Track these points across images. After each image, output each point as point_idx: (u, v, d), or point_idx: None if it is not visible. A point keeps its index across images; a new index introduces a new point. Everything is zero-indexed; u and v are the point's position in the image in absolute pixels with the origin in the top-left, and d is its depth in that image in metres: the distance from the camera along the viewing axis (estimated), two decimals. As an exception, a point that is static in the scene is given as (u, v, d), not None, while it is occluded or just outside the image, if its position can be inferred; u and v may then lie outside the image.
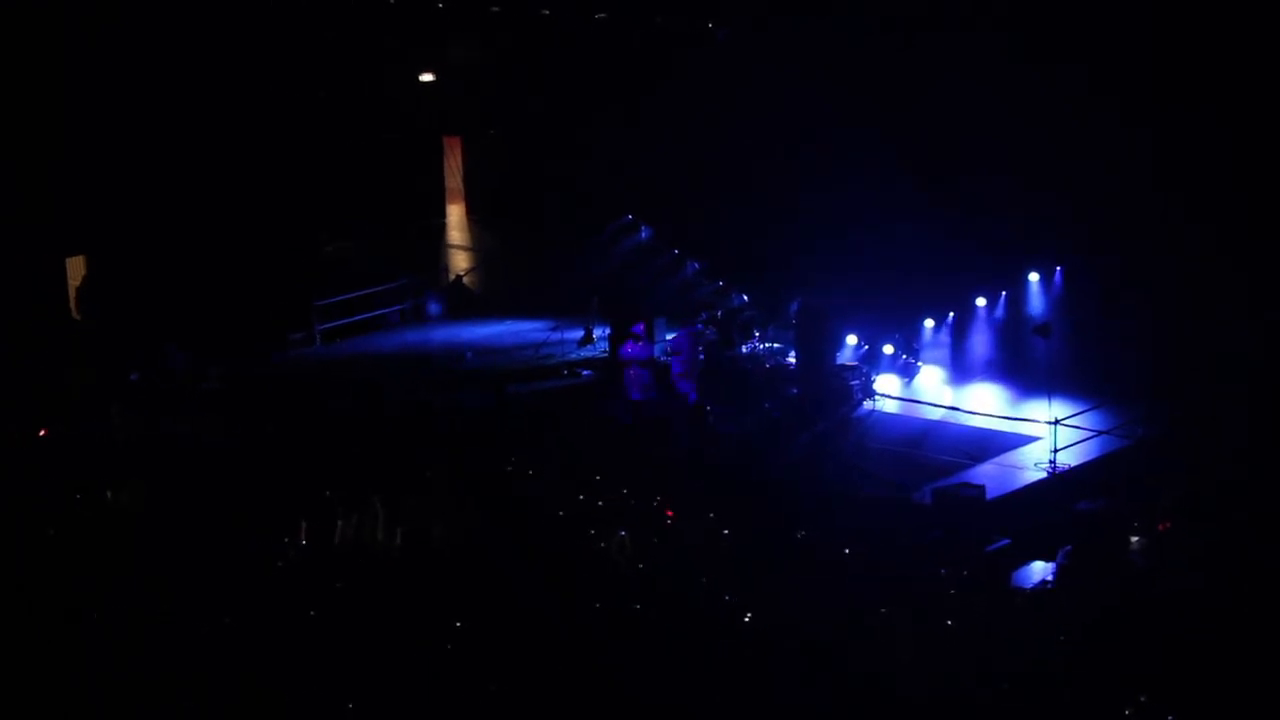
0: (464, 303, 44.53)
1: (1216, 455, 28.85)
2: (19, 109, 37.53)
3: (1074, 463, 29.98)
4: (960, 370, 35.66)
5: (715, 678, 20.83)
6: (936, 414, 33.51)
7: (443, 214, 52.66)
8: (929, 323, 36.00)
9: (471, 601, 22.80)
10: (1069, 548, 25.29)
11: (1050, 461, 29.88)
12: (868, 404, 34.20)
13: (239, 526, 25.93)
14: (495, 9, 43.45)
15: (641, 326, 33.38)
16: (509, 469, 28.83)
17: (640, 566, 23.84)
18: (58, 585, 23.62)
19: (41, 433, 31.17)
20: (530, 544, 24.95)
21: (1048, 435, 30.37)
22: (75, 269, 40.96)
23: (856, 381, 34.39)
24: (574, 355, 37.41)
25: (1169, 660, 20.66)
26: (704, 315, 38.15)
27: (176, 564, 24.28)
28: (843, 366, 34.81)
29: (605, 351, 37.37)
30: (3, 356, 34.91)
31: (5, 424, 31.30)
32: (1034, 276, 35.32)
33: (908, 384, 35.26)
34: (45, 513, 26.61)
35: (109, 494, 27.64)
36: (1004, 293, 35.72)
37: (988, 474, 29.58)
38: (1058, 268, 35.22)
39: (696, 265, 41.66)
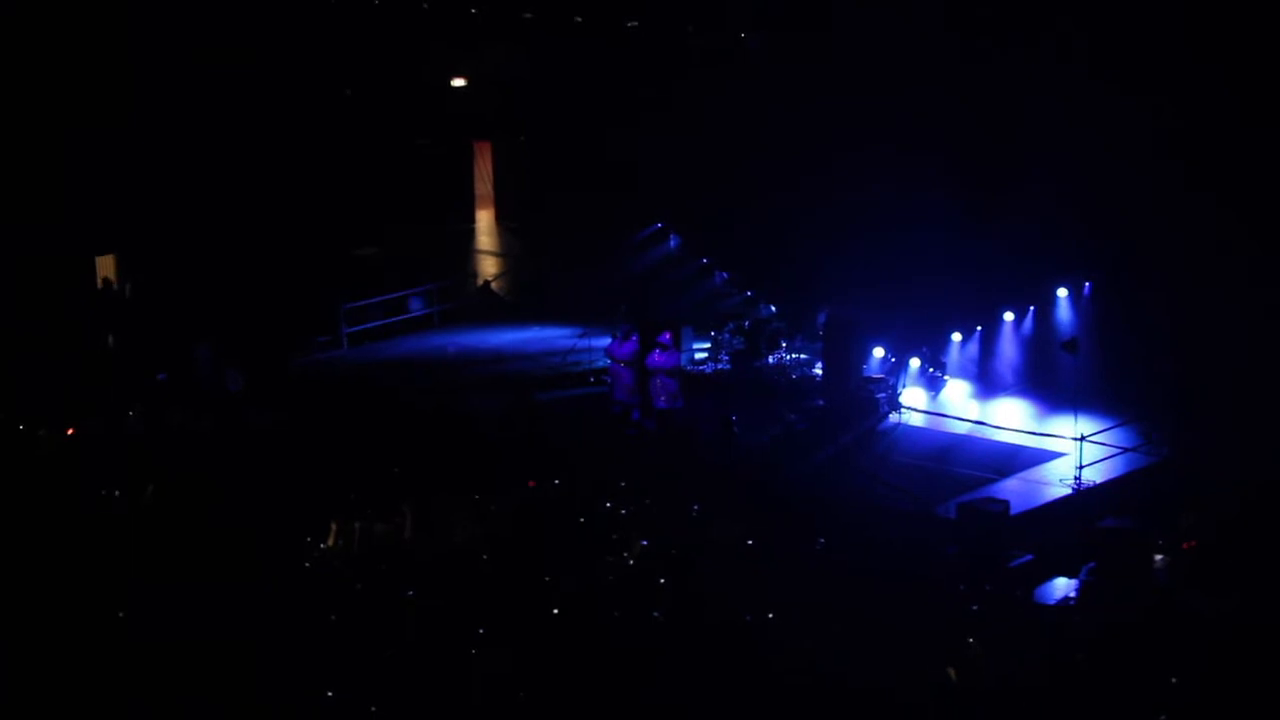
0: (492, 308, 44.60)
1: (1240, 474, 28.81)
2: (52, 108, 37.69)
3: (1099, 479, 29.94)
4: (987, 384, 35.62)
5: (729, 687, 20.84)
6: (962, 428, 33.46)
7: (472, 219, 52.80)
8: (956, 336, 35.98)
9: (494, 607, 22.83)
10: (1092, 564, 25.24)
11: (1075, 478, 29.83)
12: (893, 416, 34.16)
13: (264, 527, 25.99)
14: (527, 15, 43.54)
15: (668, 335, 33.34)
16: (533, 475, 28.85)
17: (662, 581, 23.82)
18: (79, 584, 23.68)
19: (69, 431, 31.24)
20: (552, 550, 24.97)
21: (1073, 451, 30.32)
22: (104, 267, 41.12)
23: (883, 394, 34.35)
24: (600, 363, 37.39)
25: (1190, 679, 20.63)
26: (731, 325, 38.19)
27: (200, 564, 24.33)
28: (869, 379, 34.79)
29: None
30: (31, 354, 34.98)
31: (33, 422, 31.38)
32: (1062, 292, 35.26)
33: (934, 397, 35.22)
34: (69, 511, 26.68)
35: (134, 493, 27.71)
36: (1032, 307, 35.69)
37: (1012, 489, 29.54)
38: (1086, 283, 35.16)
39: (725, 275, 41.68)
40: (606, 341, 34.72)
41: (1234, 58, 32.34)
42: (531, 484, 27.81)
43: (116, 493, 27.55)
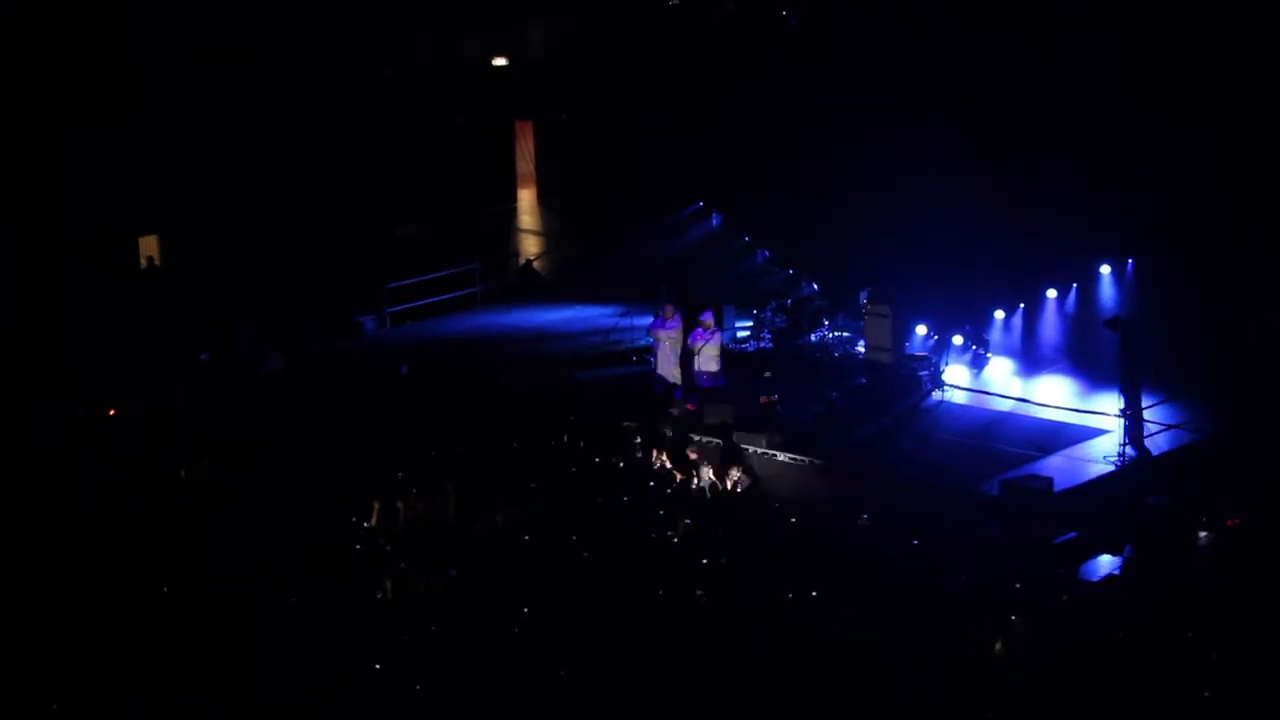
0: (534, 287, 44.58)
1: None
2: (96, 87, 37.83)
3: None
4: (1030, 361, 35.52)
5: (768, 666, 20.89)
6: (1005, 405, 33.38)
7: (514, 198, 52.83)
8: (999, 314, 35.87)
9: (536, 587, 22.90)
10: (1137, 541, 25.18)
11: (1119, 454, 29.75)
12: (936, 394, 34.07)
13: (310, 508, 26.12)
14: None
15: (710, 314, 33.31)
16: (574, 454, 28.92)
17: (705, 561, 23.88)
18: (121, 564, 23.85)
19: (111, 412, 31.36)
20: (592, 530, 25.04)
21: (1117, 428, 30.24)
22: (148, 247, 41.28)
23: (925, 372, 34.27)
24: (642, 341, 37.34)
25: (1232, 656, 20.61)
26: (773, 303, 38.13)
27: (246, 546, 24.47)
28: (911, 356, 34.71)
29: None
30: (73, 335, 35.11)
31: (75, 402, 31.53)
32: (1105, 269, 35.13)
33: (977, 375, 35.10)
34: (111, 492, 26.84)
35: (179, 473, 27.85)
36: (1075, 284, 35.56)
37: (1056, 466, 29.46)
38: (1129, 260, 35.04)
39: (766, 253, 41.60)
40: (649, 320, 34.68)
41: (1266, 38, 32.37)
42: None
43: (172, 473, 27.76)
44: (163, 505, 26.64)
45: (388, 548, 24.89)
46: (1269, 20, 32.52)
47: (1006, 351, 35.86)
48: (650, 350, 34.59)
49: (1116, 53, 33.73)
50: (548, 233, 50.24)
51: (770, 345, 37.52)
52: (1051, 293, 35.59)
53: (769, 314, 38.00)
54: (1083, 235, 34.41)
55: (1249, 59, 32.43)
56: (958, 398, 34.03)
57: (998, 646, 20.92)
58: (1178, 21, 33.01)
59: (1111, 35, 33.79)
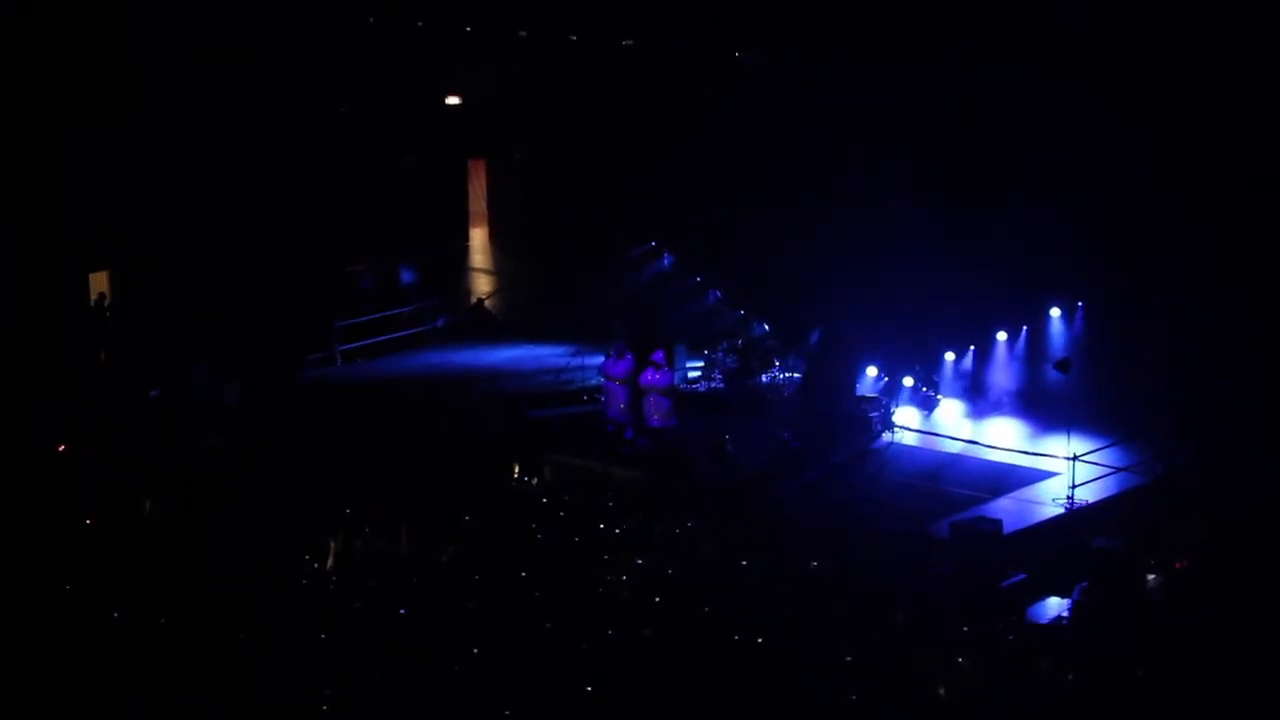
0: (486, 326, 44.54)
1: (1233, 493, 28.89)
2: (47, 123, 37.66)
3: (1092, 499, 29.97)
4: (980, 403, 35.64)
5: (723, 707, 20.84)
6: (955, 447, 33.50)
7: (466, 236, 52.80)
8: (949, 355, 36.00)
9: (487, 625, 22.82)
10: (1085, 583, 25.25)
11: (1068, 497, 29.86)
12: (886, 436, 34.17)
13: (261, 545, 25.96)
14: (523, 34, 43.56)
15: (662, 354, 33.30)
16: (525, 492, 28.87)
17: (656, 600, 23.82)
18: (74, 600, 23.66)
19: (60, 448, 31.16)
20: (544, 570, 24.95)
21: (1066, 471, 30.35)
22: (98, 284, 41.06)
23: (875, 413, 34.37)
24: (594, 380, 37.33)
25: (1185, 699, 20.66)
26: (724, 344, 38.17)
27: (197, 581, 24.30)
28: (862, 398, 34.80)
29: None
30: (23, 371, 34.88)
31: (25, 440, 31.30)
32: (1055, 311, 35.28)
33: (927, 417, 35.23)
34: (64, 529, 26.63)
35: (128, 510, 27.66)
36: (1025, 327, 35.70)
37: (1005, 508, 29.57)
38: (1079, 303, 35.20)
39: (718, 293, 41.63)
40: (600, 360, 34.66)
41: (1227, 72, 32.48)
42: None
43: (98, 513, 27.54)
44: (120, 543, 26.42)
45: (333, 584, 24.77)
46: (1223, 58, 32.69)
47: (956, 393, 35.99)
48: (601, 389, 34.53)
49: (1068, 96, 33.90)
50: (500, 271, 50.22)
51: (721, 385, 37.57)
52: (1002, 335, 35.72)
53: (720, 354, 38.05)
54: (1035, 276, 34.54)
55: (1206, 97, 32.62)
56: (908, 439, 34.14)
57: (942, 690, 20.91)
58: (1132, 64, 33.16)
59: (1063, 79, 33.95)
